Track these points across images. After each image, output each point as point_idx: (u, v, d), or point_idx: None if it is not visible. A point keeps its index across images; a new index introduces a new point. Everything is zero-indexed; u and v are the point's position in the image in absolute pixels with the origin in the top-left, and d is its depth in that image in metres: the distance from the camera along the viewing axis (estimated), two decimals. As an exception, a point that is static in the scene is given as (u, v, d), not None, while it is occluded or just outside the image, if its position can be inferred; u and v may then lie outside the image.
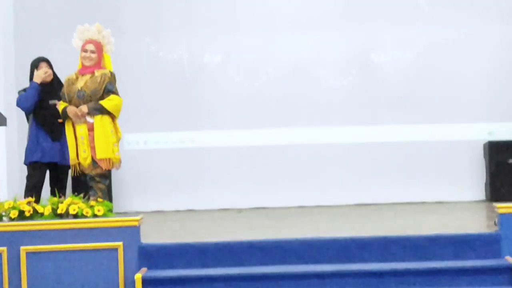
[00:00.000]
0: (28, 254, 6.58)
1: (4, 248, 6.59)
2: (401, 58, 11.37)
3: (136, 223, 6.69)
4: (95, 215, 6.72)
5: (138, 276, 6.43)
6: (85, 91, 7.23)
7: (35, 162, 8.00)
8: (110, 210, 6.86)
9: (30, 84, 7.97)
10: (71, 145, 7.31)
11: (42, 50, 8.85)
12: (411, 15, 11.24)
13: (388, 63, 11.39)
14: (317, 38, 11.23)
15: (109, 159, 7.33)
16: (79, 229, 6.62)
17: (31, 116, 8.04)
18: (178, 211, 10.89)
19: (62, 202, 6.76)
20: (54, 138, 8.05)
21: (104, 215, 6.74)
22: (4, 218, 6.84)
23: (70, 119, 7.25)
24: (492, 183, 10.77)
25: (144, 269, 6.60)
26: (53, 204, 6.79)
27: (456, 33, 11.22)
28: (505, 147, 10.84)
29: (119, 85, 11.07)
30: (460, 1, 11.19)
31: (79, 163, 7.32)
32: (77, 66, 7.38)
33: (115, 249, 6.59)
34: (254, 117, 11.27)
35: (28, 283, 6.57)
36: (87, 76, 7.28)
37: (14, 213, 6.74)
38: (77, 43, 7.39)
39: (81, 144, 7.26)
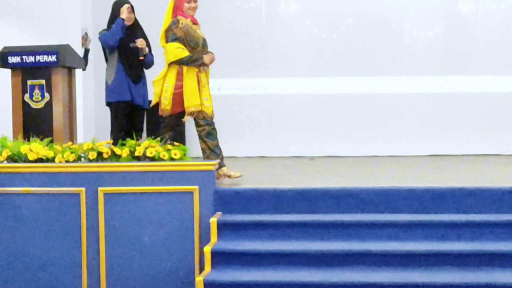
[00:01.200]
0: (106, 195, 6.72)
1: (83, 189, 6.74)
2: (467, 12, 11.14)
3: (212, 168, 6.75)
4: (172, 159, 6.79)
5: (213, 220, 6.53)
6: (205, 40, 7.41)
7: (125, 102, 8.13)
8: (186, 154, 6.93)
9: (116, 21, 8.04)
10: (195, 92, 7.26)
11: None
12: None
13: (467, 14, 11.17)
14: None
15: None
16: (156, 172, 6.71)
17: (115, 56, 8.11)
18: (250, 157, 10.95)
19: (139, 145, 6.85)
20: (136, 80, 8.16)
21: (180, 159, 6.81)
22: (83, 159, 6.97)
23: (196, 66, 7.26)
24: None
25: (219, 213, 6.68)
26: (130, 146, 6.88)
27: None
28: None
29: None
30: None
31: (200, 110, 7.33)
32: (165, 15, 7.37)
33: (191, 193, 6.67)
34: (328, 65, 11.23)
35: (105, 224, 6.71)
36: (198, 26, 7.41)
37: (92, 155, 6.86)
38: None
39: (204, 92, 7.35)
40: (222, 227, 6.56)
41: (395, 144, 10.82)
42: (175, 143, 7.04)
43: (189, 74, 7.22)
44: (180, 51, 7.15)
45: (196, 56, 7.19)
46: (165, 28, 7.33)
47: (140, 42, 8.07)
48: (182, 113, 7.38)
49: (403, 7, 11.12)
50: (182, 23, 7.18)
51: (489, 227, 6.34)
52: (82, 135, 8.85)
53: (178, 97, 7.28)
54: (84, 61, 8.15)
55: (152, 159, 6.80)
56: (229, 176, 7.42)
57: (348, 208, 6.66)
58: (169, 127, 7.46)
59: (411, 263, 6.04)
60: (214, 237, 6.50)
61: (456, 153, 10.67)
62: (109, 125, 8.34)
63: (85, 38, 9.55)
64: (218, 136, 11.05)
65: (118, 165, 6.77)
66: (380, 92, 11.07)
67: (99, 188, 6.72)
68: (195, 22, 7.32)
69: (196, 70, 7.25)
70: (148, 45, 8.25)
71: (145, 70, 8.37)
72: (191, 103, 7.21)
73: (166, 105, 7.30)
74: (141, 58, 8.07)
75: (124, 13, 8.04)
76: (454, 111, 10.91)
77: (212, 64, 11.02)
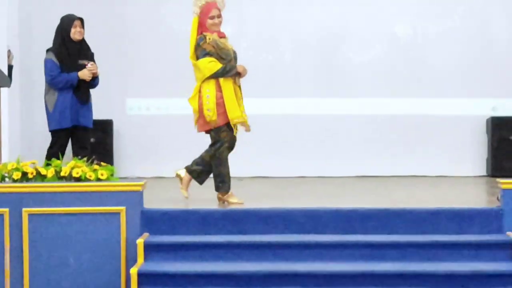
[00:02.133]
0: (30, 216, 6.58)
1: (6, 210, 6.59)
2: (408, 34, 11.35)
3: (139, 188, 6.70)
4: (98, 179, 6.72)
5: (140, 241, 6.46)
6: (236, 53, 7.32)
7: (64, 129, 8.08)
8: (113, 174, 6.86)
9: (71, 75, 8.04)
10: (235, 103, 7.20)
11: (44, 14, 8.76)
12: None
13: (393, 38, 11.38)
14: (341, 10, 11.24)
15: None
16: (82, 193, 6.63)
17: None
18: (179, 177, 10.88)
19: (65, 165, 6.77)
20: (84, 101, 8.13)
21: (107, 179, 6.74)
22: (7, 179, 6.84)
23: (231, 76, 7.19)
24: (494, 158, 10.79)
25: (146, 234, 6.63)
26: (56, 166, 6.78)
27: (462, 12, 11.27)
28: (507, 123, 10.87)
29: (126, 50, 11.14)
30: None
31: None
32: (190, 29, 7.27)
33: (118, 213, 6.60)
34: (261, 87, 11.22)
35: (29, 245, 6.58)
36: (226, 39, 7.32)
37: (17, 175, 6.73)
38: (196, 10, 7.20)
39: (241, 105, 7.31)
40: (149, 248, 6.50)
41: (324, 165, 10.89)
42: (102, 163, 6.97)
43: (227, 86, 7.17)
44: (213, 64, 7.08)
45: (229, 66, 7.13)
46: (193, 45, 7.27)
47: (91, 67, 8.09)
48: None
49: (341, 30, 11.20)
50: (209, 38, 7.11)
51: (414, 248, 6.43)
52: (7, 155, 8.68)
53: (221, 107, 7.19)
54: (8, 79, 8.02)
55: (79, 179, 6.71)
56: (231, 203, 7.38)
57: (276, 229, 6.67)
58: (228, 140, 7.44)
59: (337, 283, 6.07)
60: (140, 259, 6.43)
61: (384, 174, 10.79)
62: (35, 144, 8.27)
63: (8, 55, 9.41)
64: (149, 156, 11.10)
65: (43, 186, 6.66)
66: (309, 113, 11.14)
67: (23, 209, 6.58)
68: (222, 36, 7.26)
69: (232, 81, 7.22)
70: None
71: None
72: (234, 114, 7.18)
73: (211, 117, 7.17)
74: (89, 79, 8.09)
75: (85, 75, 8.06)
76: (382, 133, 11.04)
77: (142, 84, 11.15)
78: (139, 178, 7.46)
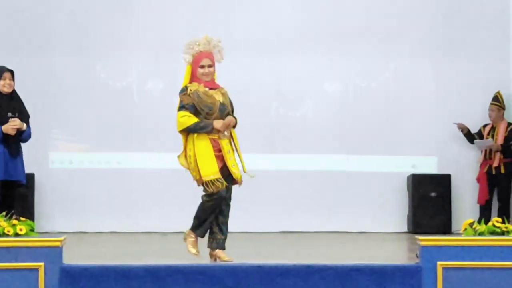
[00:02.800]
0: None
1: None
2: (332, 91, 11.52)
3: (58, 244, 6.58)
4: (17, 234, 6.59)
5: (58, 298, 6.38)
6: (225, 105, 6.88)
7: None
8: (32, 230, 6.74)
9: None
10: (209, 158, 6.75)
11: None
12: (350, 52, 11.41)
13: (318, 94, 11.53)
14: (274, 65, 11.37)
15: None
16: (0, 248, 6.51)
17: None
18: (101, 233, 10.77)
19: (-15, 220, 6.64)
20: (14, 153, 8.00)
21: (26, 235, 6.60)
22: None
23: (206, 132, 6.74)
24: (414, 215, 10.95)
25: (65, 291, 6.52)
26: (-27, 222, 6.65)
27: (385, 71, 11.47)
28: (427, 180, 11.05)
29: (50, 103, 11.04)
30: (391, 46, 11.43)
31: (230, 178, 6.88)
32: (183, 78, 6.95)
33: (36, 270, 6.45)
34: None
35: None
36: (218, 91, 6.91)
37: None
38: (187, 58, 6.88)
39: (229, 159, 6.83)
40: (68, 305, 6.41)
41: (247, 220, 10.87)
42: (21, 218, 6.84)
43: (200, 141, 6.77)
44: (185, 119, 6.71)
45: (204, 123, 6.70)
46: None
47: (12, 123, 8.02)
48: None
49: (270, 87, 11.28)
50: (191, 90, 6.76)
51: (335, 304, 6.47)
52: None
53: None
54: None
55: (-4, 234, 6.59)
56: (220, 259, 7.13)
57: (199, 285, 6.63)
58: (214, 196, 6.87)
59: None
60: (59, 317, 6.34)
61: (306, 230, 10.84)
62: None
63: None
64: (71, 211, 10.94)
65: (-40, 241, 6.53)
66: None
67: None
68: (212, 87, 6.87)
69: (212, 136, 6.77)
70: (28, 116, 8.12)
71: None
72: (207, 171, 6.71)
73: (195, 176, 6.86)
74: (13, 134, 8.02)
75: (8, 130, 7.98)
76: (305, 189, 11.12)
77: (64, 137, 11.03)
78: (60, 233, 7.35)
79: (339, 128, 11.35)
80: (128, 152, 11.27)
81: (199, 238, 7.32)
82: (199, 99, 6.73)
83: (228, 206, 7.04)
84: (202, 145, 6.75)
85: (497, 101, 10.97)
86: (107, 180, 11.18)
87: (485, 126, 11.03)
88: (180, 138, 10.99)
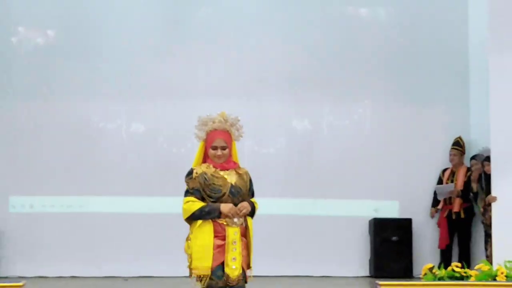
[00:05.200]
0: None
1: None
2: (292, 136, 11.64)
3: (19, 289, 6.58)
4: (-24, 280, 6.57)
5: None
6: (240, 188, 5.96)
7: None
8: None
9: None
10: (205, 251, 5.78)
11: None
12: (315, 99, 11.57)
13: (278, 138, 11.63)
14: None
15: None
16: (-41, 294, 6.47)
17: None
18: (62, 277, 10.69)
19: None
20: None
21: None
22: None
23: (212, 218, 5.81)
24: (376, 259, 10.97)
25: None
26: None
27: (348, 118, 11.64)
28: (389, 225, 11.08)
29: (11, 145, 10.99)
30: (353, 95, 11.60)
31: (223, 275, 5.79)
32: (195, 154, 6.09)
33: (-4, 317, 6.46)
34: (142, 185, 11.23)
35: None
36: (232, 171, 6.00)
37: None
38: (200, 135, 6.03)
39: (232, 251, 5.80)
40: None
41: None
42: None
43: (202, 229, 5.83)
44: (189, 205, 5.85)
45: (209, 207, 5.82)
46: None
47: None
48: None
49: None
50: (197, 173, 5.91)
51: None
52: None
53: None
54: None
55: (-44, 280, 6.55)
56: None
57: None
58: None
59: None
60: None
61: (268, 274, 10.76)
62: None
63: None
64: (32, 255, 10.82)
65: None
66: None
67: None
68: (224, 168, 5.97)
69: (220, 221, 5.84)
70: None
71: None
72: (198, 264, 5.76)
73: (189, 265, 5.86)
74: None
75: None
76: (266, 233, 11.06)
77: (25, 180, 10.97)
78: (20, 278, 7.29)
79: (301, 172, 11.41)
80: (91, 196, 11.22)
81: None
82: (205, 183, 5.89)
83: None
84: (202, 233, 5.83)
85: (459, 145, 11.11)
86: (69, 224, 11.11)
87: (444, 171, 11.16)
88: (140, 184, 11.17)
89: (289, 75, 11.49)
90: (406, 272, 10.74)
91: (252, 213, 5.99)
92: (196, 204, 5.80)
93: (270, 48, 11.54)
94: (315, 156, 11.50)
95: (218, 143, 5.93)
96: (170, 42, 11.51)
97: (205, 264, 5.70)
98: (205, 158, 6.02)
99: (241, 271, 5.80)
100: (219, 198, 5.83)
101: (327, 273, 11.05)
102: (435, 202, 11.11)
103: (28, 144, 11.14)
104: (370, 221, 11.31)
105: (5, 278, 8.52)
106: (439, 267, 6.99)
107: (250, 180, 6.08)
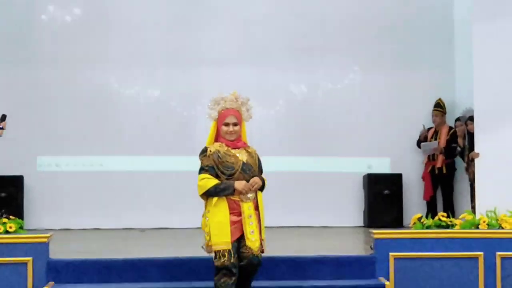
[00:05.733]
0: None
1: None
2: (290, 99, 11.58)
3: (45, 240, 6.57)
4: (7, 231, 6.56)
5: (45, 289, 6.33)
6: (251, 165, 5.82)
7: None
8: (21, 227, 6.72)
9: None
10: (223, 227, 5.65)
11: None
12: (312, 64, 11.48)
13: (278, 101, 11.58)
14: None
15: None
16: (-9, 245, 6.48)
17: None
18: (85, 229, 10.72)
19: (-24, 219, 6.60)
20: None
21: (15, 232, 6.59)
22: None
23: (227, 195, 5.69)
24: (369, 211, 11.02)
25: (51, 283, 6.48)
26: (-34, 220, 6.61)
27: (343, 82, 11.55)
28: (381, 179, 11.12)
29: (37, 110, 10.96)
30: (347, 60, 11.52)
31: (244, 246, 5.70)
32: (208, 132, 5.95)
33: (25, 264, 6.45)
34: (157, 145, 11.24)
35: None
36: (243, 150, 5.87)
37: None
38: (212, 114, 5.88)
39: (249, 225, 5.69)
40: (54, 296, 6.38)
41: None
42: (11, 216, 6.80)
43: (218, 207, 5.69)
44: (204, 182, 5.69)
45: (224, 184, 5.68)
46: None
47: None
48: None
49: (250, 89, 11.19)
50: (210, 151, 5.77)
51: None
52: None
53: None
54: None
55: (-12, 232, 6.55)
56: None
57: (173, 276, 6.62)
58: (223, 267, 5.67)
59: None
60: (46, 306, 6.32)
61: (273, 225, 10.76)
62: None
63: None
64: (57, 209, 10.86)
65: (-46, 238, 6.48)
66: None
67: None
68: (235, 146, 5.85)
69: (234, 198, 5.72)
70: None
71: None
72: (218, 239, 5.62)
73: (207, 242, 5.70)
74: None
75: (0, 134, 8.10)
76: (273, 187, 11.04)
77: (50, 142, 10.97)
78: (47, 231, 7.28)
79: (305, 132, 11.39)
80: (110, 155, 11.23)
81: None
82: (219, 160, 5.74)
83: (256, 273, 5.88)
84: (218, 210, 5.69)
85: (439, 107, 11.09)
86: (91, 181, 11.14)
87: (428, 130, 11.14)
88: (155, 144, 11.19)
89: (288, 44, 11.42)
90: (397, 222, 10.77)
91: (262, 188, 5.88)
92: (211, 181, 5.66)
93: (272, 21, 11.49)
94: (312, 118, 11.47)
95: (230, 120, 5.79)
96: (180, 17, 11.41)
97: (224, 240, 5.60)
98: (217, 137, 5.89)
99: (259, 243, 5.72)
100: (231, 174, 5.71)
101: (326, 224, 11.08)
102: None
103: (54, 109, 11.13)
104: (364, 177, 11.31)
105: (34, 230, 8.53)
106: (426, 217, 6.96)
107: (259, 159, 5.98)
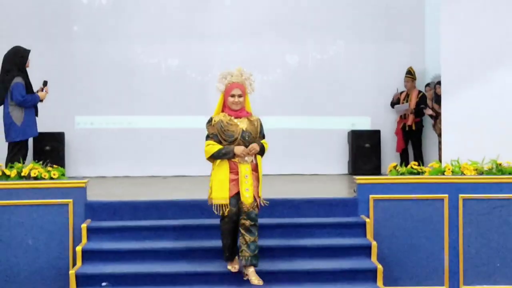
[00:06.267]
0: (-2, 207, 6.39)
1: (-23, 203, 6.40)
2: (285, 67, 11.42)
3: (83, 185, 6.58)
4: (51, 178, 6.57)
5: (84, 226, 6.38)
6: (250, 132, 5.70)
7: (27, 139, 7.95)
8: (63, 174, 6.72)
9: (35, 96, 7.95)
10: (223, 184, 5.63)
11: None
12: (303, 34, 11.32)
13: (275, 69, 11.43)
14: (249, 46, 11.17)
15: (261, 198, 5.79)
16: (38, 189, 6.47)
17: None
18: (117, 177, 10.73)
19: (25, 167, 6.60)
20: (37, 115, 8.02)
21: (58, 178, 6.59)
22: (-21, 179, 6.61)
23: (228, 158, 5.62)
24: (353, 161, 10.99)
25: (88, 220, 6.51)
26: (18, 168, 6.60)
27: (329, 51, 11.38)
28: (362, 135, 11.05)
29: (76, 77, 10.90)
30: (331, 33, 11.33)
31: (236, 203, 5.65)
32: (216, 105, 5.84)
33: (67, 205, 6.47)
34: (176, 106, 11.17)
35: (-2, 231, 6.40)
36: (244, 119, 5.75)
37: (-14, 175, 6.54)
38: (220, 87, 5.74)
39: (244, 183, 5.63)
40: (91, 231, 6.40)
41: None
42: (55, 165, 6.78)
43: (220, 167, 5.67)
44: (209, 148, 5.64)
45: (225, 149, 5.62)
46: None
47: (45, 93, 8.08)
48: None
49: (250, 59, 11.06)
50: (215, 121, 5.69)
51: (293, 227, 6.50)
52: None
53: None
54: None
55: (36, 178, 6.55)
56: (250, 280, 5.74)
57: (191, 215, 6.64)
58: (226, 215, 5.69)
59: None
60: (84, 239, 6.33)
61: (272, 173, 10.73)
62: (3, 150, 8.04)
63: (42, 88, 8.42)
64: (94, 160, 10.86)
65: (7, 183, 6.47)
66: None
67: (-9, 202, 6.39)
68: (238, 115, 5.74)
69: (234, 160, 5.66)
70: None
71: None
72: (214, 194, 5.65)
73: (209, 194, 5.74)
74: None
75: (44, 96, 8.01)
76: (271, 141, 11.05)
77: (86, 104, 10.93)
78: (84, 177, 7.27)
79: (299, 94, 11.30)
80: (137, 115, 11.16)
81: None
82: (221, 129, 5.66)
83: (255, 225, 5.66)
84: (220, 170, 5.67)
85: (410, 74, 10.99)
86: (120, 136, 11.10)
87: (401, 93, 11.06)
88: (174, 105, 11.14)
89: (284, 19, 11.24)
90: (376, 170, 10.76)
91: (262, 152, 5.79)
92: (215, 147, 5.63)
93: (272, 1, 11.32)
94: (304, 83, 11.31)
95: (235, 91, 5.68)
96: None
97: (223, 195, 5.60)
98: (224, 108, 5.78)
99: (253, 199, 5.64)
100: (232, 141, 5.64)
101: (317, 172, 11.05)
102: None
103: (89, 77, 11.04)
104: (348, 133, 11.26)
105: (73, 177, 8.51)
106: (400, 166, 6.93)
107: (261, 126, 5.84)
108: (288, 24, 11.25)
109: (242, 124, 5.71)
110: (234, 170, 5.65)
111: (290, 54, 11.44)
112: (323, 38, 11.33)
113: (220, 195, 5.62)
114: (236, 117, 5.72)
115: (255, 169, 5.72)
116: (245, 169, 5.64)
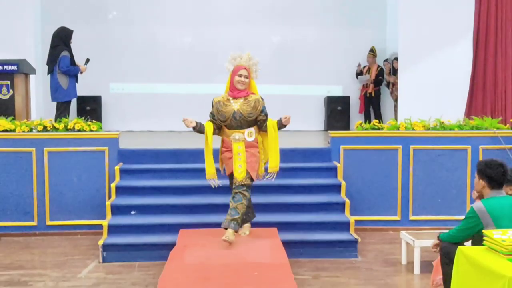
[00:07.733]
0: (49, 153, 6.40)
1: (34, 149, 6.40)
2: (271, 46, 11.27)
3: (116, 136, 6.56)
4: (91, 130, 6.54)
5: (117, 167, 6.38)
6: (241, 113, 5.05)
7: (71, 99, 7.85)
8: (100, 128, 6.68)
9: (77, 68, 7.78)
10: (208, 160, 5.10)
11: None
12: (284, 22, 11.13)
13: (263, 48, 11.30)
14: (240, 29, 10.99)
15: (258, 173, 5.17)
16: (81, 139, 6.45)
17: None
18: (142, 131, 10.69)
19: (70, 121, 6.59)
20: (77, 81, 7.90)
21: (97, 131, 6.57)
22: (34, 130, 6.58)
23: (201, 132, 5.17)
24: (328, 120, 10.94)
25: (120, 164, 6.51)
26: (64, 122, 6.57)
27: (308, 33, 11.21)
28: (336, 100, 10.98)
29: (111, 52, 10.75)
30: (307, 19, 11.12)
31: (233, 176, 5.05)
32: (224, 88, 5.24)
33: (103, 151, 6.46)
34: (192, 75, 11.06)
35: (48, 171, 6.40)
36: (241, 100, 5.09)
37: (40, 128, 6.51)
38: (229, 68, 5.15)
39: (237, 160, 5.01)
40: (123, 171, 6.41)
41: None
42: (94, 121, 6.74)
43: (221, 143, 5.23)
44: (206, 123, 5.18)
45: (198, 127, 5.15)
46: None
47: (85, 67, 7.93)
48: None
49: (240, 40, 10.94)
50: (214, 102, 5.15)
51: (280, 170, 6.46)
52: (35, 115, 8.31)
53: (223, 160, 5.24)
54: (34, 68, 7.64)
55: (79, 130, 6.52)
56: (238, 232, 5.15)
57: (202, 160, 6.58)
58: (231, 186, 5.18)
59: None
60: (117, 178, 6.34)
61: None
62: (52, 109, 7.97)
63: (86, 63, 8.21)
64: (124, 117, 10.80)
65: (57, 134, 6.46)
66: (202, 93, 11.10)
67: (45, 149, 6.39)
68: (236, 96, 5.10)
69: (226, 138, 5.14)
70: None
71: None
72: (208, 171, 5.13)
73: (220, 166, 5.27)
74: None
75: (84, 70, 7.84)
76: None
77: (118, 73, 10.82)
78: (117, 131, 7.24)
79: (284, 66, 11.17)
80: (160, 83, 11.07)
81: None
82: (217, 109, 5.09)
83: (240, 193, 4.99)
84: (222, 147, 5.19)
85: (372, 51, 10.88)
86: (146, 99, 11.04)
87: (364, 67, 10.95)
88: (187, 75, 11.04)
89: (272, 6, 11.07)
90: (346, 127, 10.73)
91: (262, 127, 5.15)
92: (205, 123, 5.11)
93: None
94: (287, 58, 11.16)
95: (242, 72, 5.06)
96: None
97: (211, 171, 5.09)
98: (230, 87, 5.14)
99: (245, 174, 4.98)
100: (225, 121, 5.05)
101: (298, 129, 11.00)
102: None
103: (121, 52, 10.90)
104: (324, 98, 11.19)
105: (108, 131, 8.43)
106: (365, 123, 6.92)
107: (262, 105, 5.15)
108: (275, 10, 11.09)
109: (237, 104, 5.05)
110: (228, 148, 5.10)
111: (275, 35, 11.30)
112: (302, 22, 11.11)
113: (210, 172, 5.09)
114: (234, 98, 5.07)
115: (250, 146, 5.07)
116: (237, 147, 5.03)
